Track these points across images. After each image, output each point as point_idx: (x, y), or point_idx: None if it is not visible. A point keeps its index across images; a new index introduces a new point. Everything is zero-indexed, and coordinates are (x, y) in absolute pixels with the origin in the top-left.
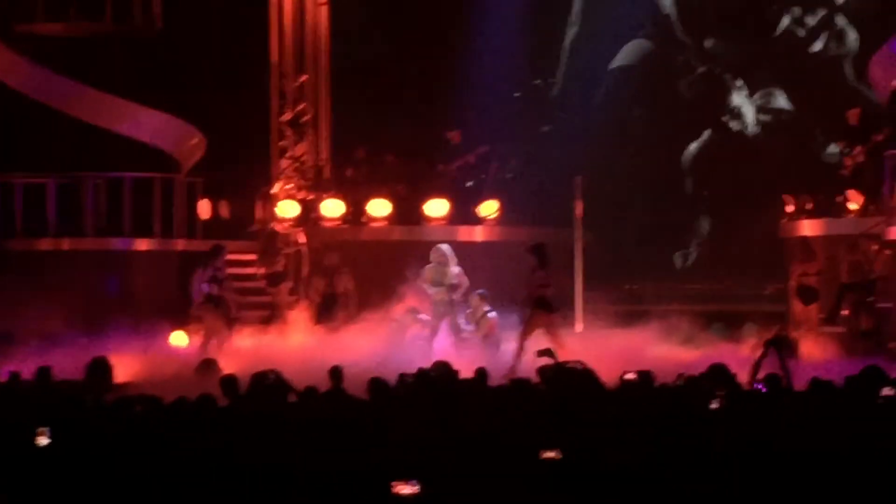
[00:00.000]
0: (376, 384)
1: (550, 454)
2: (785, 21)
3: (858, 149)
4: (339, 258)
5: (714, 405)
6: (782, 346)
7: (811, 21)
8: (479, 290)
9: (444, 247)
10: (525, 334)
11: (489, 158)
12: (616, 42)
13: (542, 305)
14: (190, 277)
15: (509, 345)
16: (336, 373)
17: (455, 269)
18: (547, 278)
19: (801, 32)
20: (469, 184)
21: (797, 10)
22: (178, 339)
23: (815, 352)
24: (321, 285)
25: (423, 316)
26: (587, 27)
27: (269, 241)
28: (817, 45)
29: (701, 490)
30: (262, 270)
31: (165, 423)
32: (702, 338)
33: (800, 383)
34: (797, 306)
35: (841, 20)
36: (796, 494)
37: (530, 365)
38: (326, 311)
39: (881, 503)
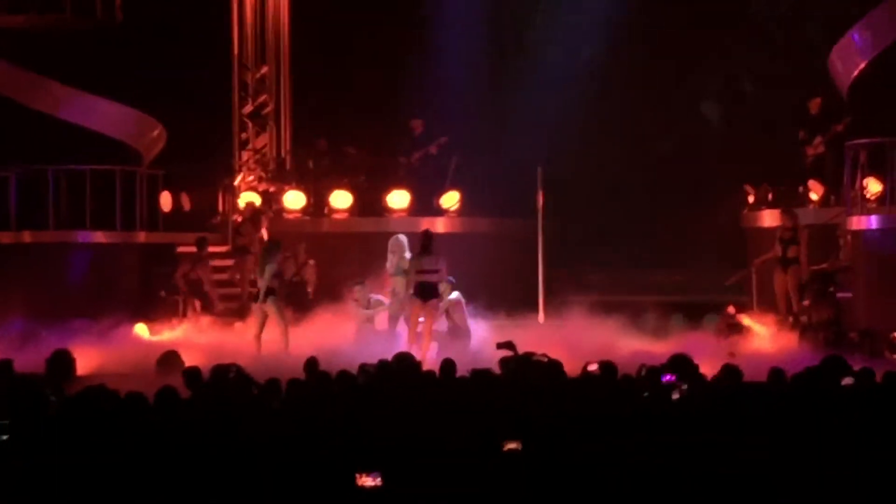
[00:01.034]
0: (342, 376)
1: (512, 445)
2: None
3: (819, 139)
4: (304, 249)
5: (676, 396)
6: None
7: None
8: (448, 278)
9: (401, 236)
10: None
11: (450, 148)
12: (581, 33)
13: (418, 293)
14: (174, 271)
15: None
16: (312, 364)
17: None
18: (431, 265)
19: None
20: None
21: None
22: (140, 331)
23: (776, 342)
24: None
25: (380, 298)
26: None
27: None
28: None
29: (661, 479)
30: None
31: (125, 416)
32: (664, 329)
33: (759, 374)
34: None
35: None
36: (757, 485)
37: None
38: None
39: (844, 492)
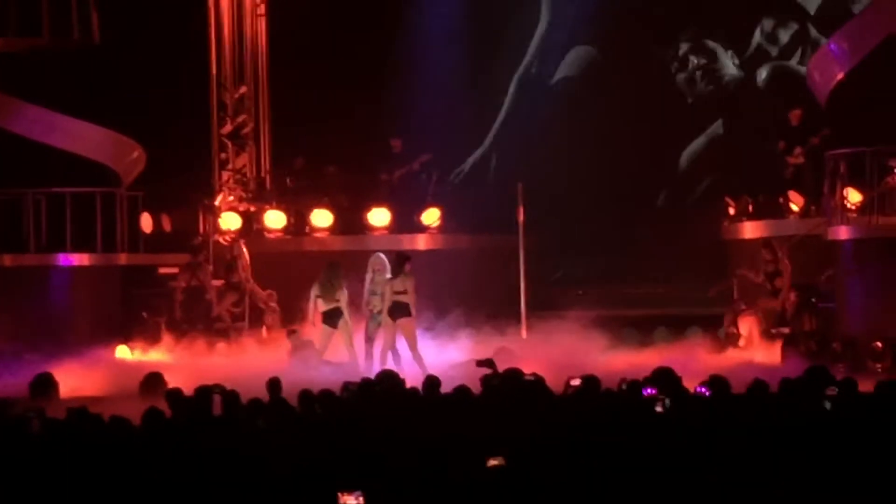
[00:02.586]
0: (324, 395)
1: (495, 462)
2: (756, 36)
3: (798, 150)
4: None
5: (659, 409)
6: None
7: (784, 36)
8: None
9: (381, 255)
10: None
11: (431, 166)
12: (560, 49)
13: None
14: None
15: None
16: (274, 385)
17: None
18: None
19: (774, 50)
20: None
21: (768, 24)
22: (122, 353)
23: (760, 352)
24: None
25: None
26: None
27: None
28: (793, 60)
29: (647, 494)
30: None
31: (108, 439)
32: (646, 342)
33: (741, 386)
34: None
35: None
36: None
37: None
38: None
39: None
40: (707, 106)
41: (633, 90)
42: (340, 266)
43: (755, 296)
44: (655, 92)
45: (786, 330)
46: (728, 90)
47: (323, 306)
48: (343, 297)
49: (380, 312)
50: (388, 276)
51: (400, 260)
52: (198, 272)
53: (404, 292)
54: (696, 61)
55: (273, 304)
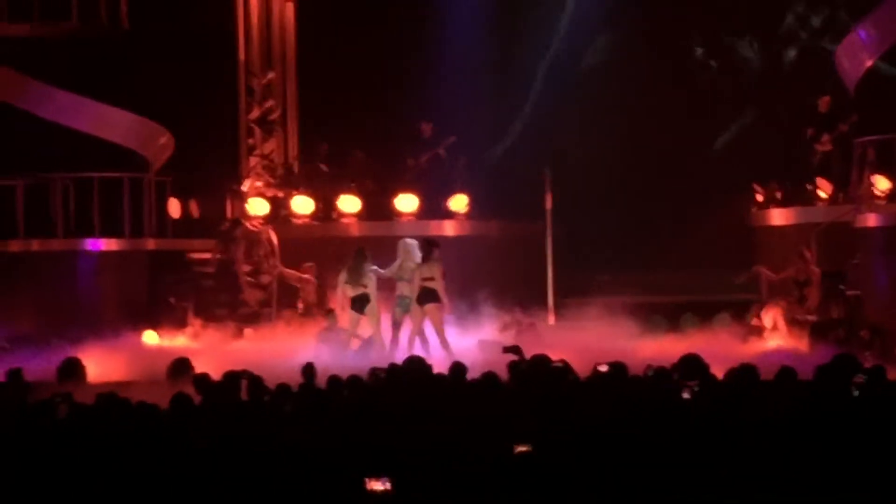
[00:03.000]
0: (352, 381)
1: (523, 448)
2: (788, 20)
3: (826, 137)
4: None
5: (686, 395)
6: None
7: (815, 21)
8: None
9: (409, 240)
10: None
11: (457, 150)
12: (589, 34)
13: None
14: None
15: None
16: (308, 370)
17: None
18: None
19: (803, 34)
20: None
21: (800, 9)
22: (150, 338)
23: (787, 340)
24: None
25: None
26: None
27: (229, 230)
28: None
29: (676, 480)
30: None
31: (136, 424)
32: (674, 329)
33: (769, 373)
34: (768, 294)
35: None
36: (768, 482)
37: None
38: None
39: (853, 489)
40: (736, 93)
41: (661, 76)
42: (368, 253)
43: (778, 289)
44: (684, 78)
45: (812, 317)
46: (756, 77)
47: (350, 292)
48: (371, 284)
49: (407, 298)
50: (417, 261)
51: (428, 246)
52: (231, 245)
53: (432, 278)
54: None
55: (308, 276)
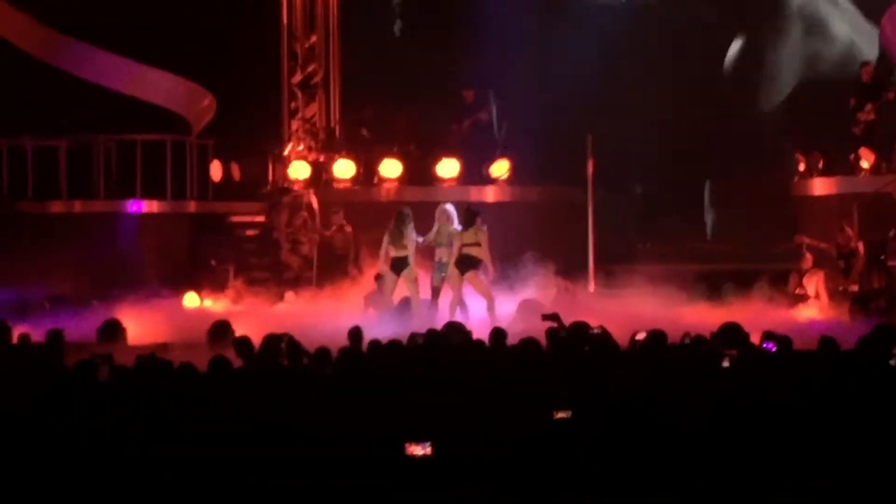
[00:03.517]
0: (388, 346)
1: (562, 415)
2: None
3: (869, 106)
4: (344, 217)
5: (725, 364)
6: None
7: None
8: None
9: (448, 206)
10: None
11: (500, 116)
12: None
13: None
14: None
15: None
16: (355, 334)
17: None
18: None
19: None
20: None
21: None
22: (191, 300)
23: (829, 310)
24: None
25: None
26: None
27: (275, 195)
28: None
29: (713, 450)
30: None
31: (178, 386)
32: (714, 297)
33: (810, 343)
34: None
35: None
36: (806, 452)
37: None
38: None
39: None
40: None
41: (705, 48)
42: (409, 214)
43: (820, 258)
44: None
45: (854, 287)
46: None
47: (393, 252)
48: (411, 245)
49: (446, 264)
50: (455, 227)
51: (470, 214)
52: (275, 211)
53: (475, 244)
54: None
55: (341, 223)
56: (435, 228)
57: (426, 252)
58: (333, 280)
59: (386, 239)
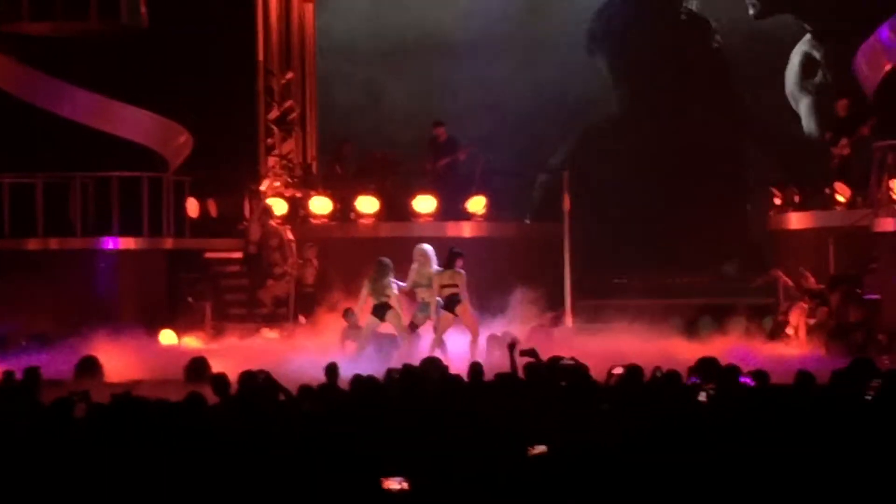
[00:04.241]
0: (365, 381)
1: (539, 450)
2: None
3: (845, 140)
4: (315, 252)
5: (702, 398)
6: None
7: None
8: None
9: (425, 246)
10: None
11: (477, 154)
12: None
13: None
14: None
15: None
16: (332, 369)
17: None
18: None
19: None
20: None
21: None
22: (167, 337)
23: (804, 344)
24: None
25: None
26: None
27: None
28: None
29: (690, 481)
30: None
31: (153, 423)
32: (691, 331)
33: (787, 377)
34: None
35: None
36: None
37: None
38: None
39: (868, 494)
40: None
41: (680, 77)
42: (390, 265)
43: (793, 295)
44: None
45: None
46: None
47: (374, 301)
48: (393, 294)
49: (428, 304)
50: (433, 267)
51: (452, 255)
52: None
53: (454, 286)
54: None
55: (311, 258)
56: (414, 269)
57: (410, 295)
58: (306, 315)
59: (365, 288)
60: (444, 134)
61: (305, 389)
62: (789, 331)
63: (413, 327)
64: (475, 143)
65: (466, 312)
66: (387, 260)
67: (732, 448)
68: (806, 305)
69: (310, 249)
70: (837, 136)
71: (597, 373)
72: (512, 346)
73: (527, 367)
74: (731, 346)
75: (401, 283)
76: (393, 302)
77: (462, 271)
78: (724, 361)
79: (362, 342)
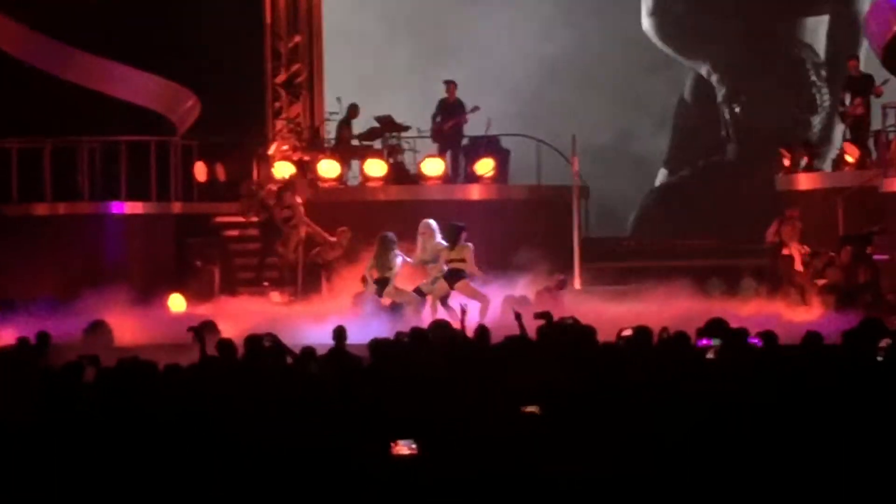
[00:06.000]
0: (376, 344)
1: (531, 409)
2: None
3: (858, 100)
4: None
5: (710, 356)
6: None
7: None
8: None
9: (430, 221)
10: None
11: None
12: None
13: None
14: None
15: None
16: (339, 333)
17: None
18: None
19: None
20: (465, 141)
21: None
22: (176, 302)
23: (812, 304)
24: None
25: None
26: None
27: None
28: None
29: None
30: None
31: (162, 387)
32: (701, 293)
33: (795, 337)
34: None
35: None
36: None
37: None
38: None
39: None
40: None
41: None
42: (394, 240)
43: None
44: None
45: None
46: None
47: (376, 275)
48: (395, 268)
49: (437, 278)
50: (438, 241)
51: (453, 230)
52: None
53: (461, 260)
54: None
55: (334, 239)
56: (419, 245)
57: (420, 270)
58: (317, 286)
59: (370, 263)
60: (454, 93)
61: (309, 351)
62: (784, 250)
63: (420, 293)
64: (479, 107)
65: (466, 287)
66: (391, 234)
67: (740, 409)
68: (799, 227)
69: (342, 234)
70: (851, 96)
71: (606, 334)
72: (519, 317)
73: (539, 329)
74: (739, 307)
75: (407, 258)
76: (392, 276)
77: (469, 244)
78: (732, 322)
79: (373, 302)
